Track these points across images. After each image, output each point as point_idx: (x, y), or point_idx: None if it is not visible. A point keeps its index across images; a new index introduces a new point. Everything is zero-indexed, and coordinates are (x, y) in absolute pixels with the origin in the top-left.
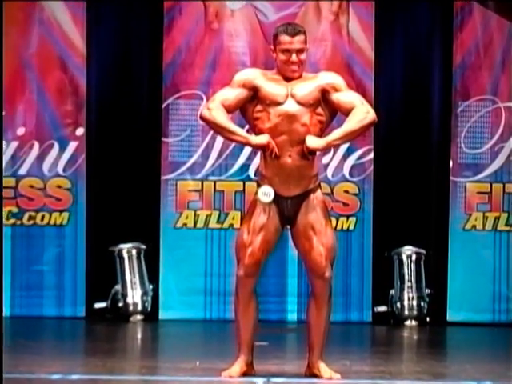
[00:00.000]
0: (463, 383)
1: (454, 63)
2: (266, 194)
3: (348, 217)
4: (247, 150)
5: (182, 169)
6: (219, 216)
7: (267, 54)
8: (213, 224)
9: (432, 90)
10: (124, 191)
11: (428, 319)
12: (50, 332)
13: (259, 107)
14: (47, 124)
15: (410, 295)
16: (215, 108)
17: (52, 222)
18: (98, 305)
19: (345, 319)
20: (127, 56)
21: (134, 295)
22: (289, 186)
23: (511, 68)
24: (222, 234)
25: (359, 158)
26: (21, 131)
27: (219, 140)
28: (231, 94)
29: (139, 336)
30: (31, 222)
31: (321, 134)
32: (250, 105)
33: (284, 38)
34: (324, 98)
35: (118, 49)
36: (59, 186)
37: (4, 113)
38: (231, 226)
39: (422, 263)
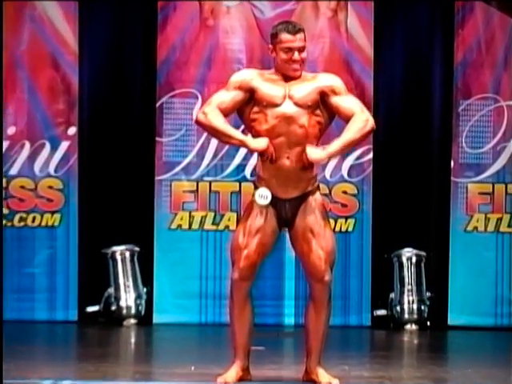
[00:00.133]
0: None
1: (455, 61)
2: (263, 196)
3: (347, 218)
4: (243, 150)
5: (177, 169)
6: (215, 217)
7: (264, 52)
8: (208, 225)
9: (433, 88)
10: (117, 192)
11: (429, 323)
12: (41, 336)
13: (256, 109)
14: (38, 123)
15: (410, 298)
16: (211, 112)
17: (43, 224)
18: (91, 308)
19: (343, 323)
20: (120, 54)
21: (128, 298)
22: (287, 188)
23: None
24: (217, 236)
25: (358, 157)
26: (11, 130)
27: (215, 140)
28: (227, 96)
29: (133, 340)
30: (22, 223)
31: (320, 135)
32: (247, 106)
33: (286, 36)
34: (323, 100)
35: (111, 46)
36: (51, 187)
37: None
38: (227, 227)
39: (423, 266)
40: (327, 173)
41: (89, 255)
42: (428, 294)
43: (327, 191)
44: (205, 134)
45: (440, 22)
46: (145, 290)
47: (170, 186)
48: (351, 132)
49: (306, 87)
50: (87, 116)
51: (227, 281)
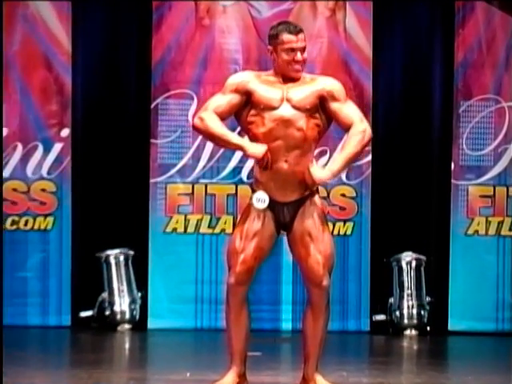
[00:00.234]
0: None
1: (456, 61)
2: (261, 200)
3: (345, 221)
4: (240, 152)
5: (172, 171)
6: (210, 220)
7: (260, 52)
8: (204, 229)
9: (433, 89)
10: (111, 195)
11: (428, 328)
12: (33, 342)
13: (253, 111)
14: (31, 124)
15: (410, 303)
16: (207, 117)
17: (36, 227)
18: (84, 313)
19: (342, 328)
20: (114, 54)
21: (122, 303)
22: (285, 191)
23: None
24: (213, 240)
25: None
26: (4, 132)
27: None
28: (223, 100)
29: (127, 346)
30: (14, 226)
31: (319, 138)
32: (244, 109)
33: (288, 36)
34: (321, 104)
35: (105, 46)
36: (43, 190)
37: None
38: (223, 230)
39: (423, 270)
40: None
41: (82, 259)
42: (428, 298)
43: (325, 194)
44: (200, 136)
45: (440, 21)
46: (139, 294)
47: (165, 188)
48: (351, 146)
49: (305, 90)
50: (81, 117)
51: (223, 285)
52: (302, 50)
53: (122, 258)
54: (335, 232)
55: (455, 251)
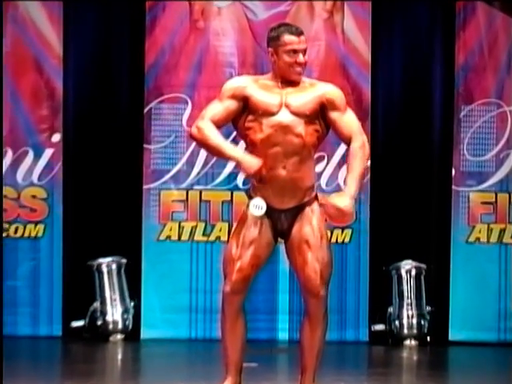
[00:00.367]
0: None
1: (457, 65)
2: (258, 206)
3: (343, 229)
4: None
5: (166, 177)
6: (205, 228)
7: (256, 55)
8: (198, 236)
9: (433, 93)
10: (103, 201)
11: (429, 338)
12: (23, 352)
13: (251, 117)
14: (21, 129)
15: (410, 313)
16: (205, 126)
17: (26, 235)
18: (76, 323)
19: (340, 338)
20: (107, 57)
21: (114, 313)
22: (283, 198)
23: None
24: (208, 248)
25: None
26: None
27: None
28: (220, 107)
29: (119, 357)
30: (4, 234)
31: (318, 143)
32: (241, 115)
33: (290, 38)
34: (321, 111)
35: (97, 49)
36: (34, 196)
37: None
38: (218, 238)
39: (423, 278)
40: (323, 181)
41: (74, 267)
42: (428, 308)
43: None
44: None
45: (440, 23)
46: (132, 303)
47: (159, 195)
48: (358, 164)
49: (305, 96)
50: (72, 122)
51: (218, 294)
52: (304, 51)
53: (114, 266)
54: (333, 239)
55: (456, 259)
